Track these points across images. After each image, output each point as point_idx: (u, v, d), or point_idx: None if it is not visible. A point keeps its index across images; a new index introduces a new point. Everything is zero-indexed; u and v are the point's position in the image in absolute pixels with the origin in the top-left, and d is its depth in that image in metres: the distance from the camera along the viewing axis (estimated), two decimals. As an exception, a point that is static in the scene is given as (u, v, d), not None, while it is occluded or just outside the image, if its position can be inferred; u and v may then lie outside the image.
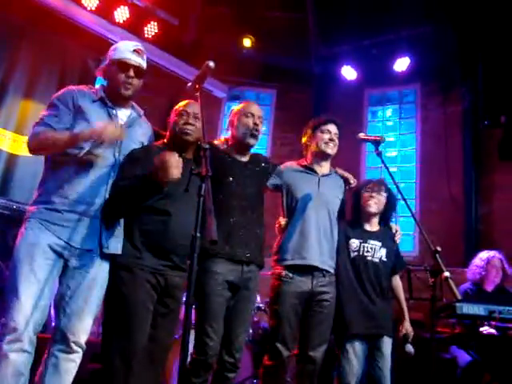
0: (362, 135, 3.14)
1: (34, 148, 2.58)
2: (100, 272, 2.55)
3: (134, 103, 2.84)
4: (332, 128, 3.39)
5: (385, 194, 3.42)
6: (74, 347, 2.46)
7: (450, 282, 2.40)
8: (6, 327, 2.30)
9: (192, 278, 1.88)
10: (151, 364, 2.62)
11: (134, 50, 2.71)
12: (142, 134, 2.82)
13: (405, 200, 2.98)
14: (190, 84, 2.40)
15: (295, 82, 7.95)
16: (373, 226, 3.45)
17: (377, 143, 2.99)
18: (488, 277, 4.55)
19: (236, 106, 3.25)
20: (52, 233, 2.44)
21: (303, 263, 3.17)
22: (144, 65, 2.75)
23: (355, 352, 3.22)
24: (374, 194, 3.39)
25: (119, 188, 2.55)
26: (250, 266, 2.98)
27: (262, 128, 3.25)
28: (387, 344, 3.30)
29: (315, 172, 3.39)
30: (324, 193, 3.32)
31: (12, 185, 5.86)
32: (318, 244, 3.22)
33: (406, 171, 7.73)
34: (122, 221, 2.65)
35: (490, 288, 4.58)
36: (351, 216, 3.47)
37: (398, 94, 8.19)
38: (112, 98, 2.71)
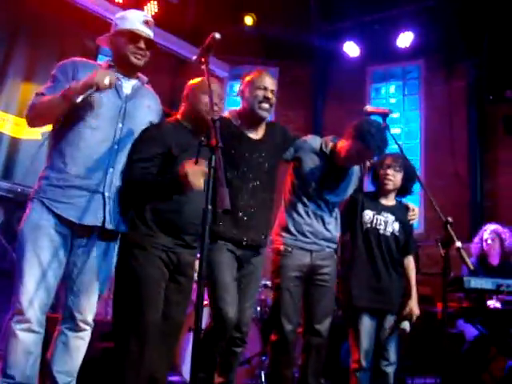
0: (368, 108, 3.09)
1: (31, 117, 2.51)
2: (106, 249, 2.53)
3: (140, 74, 2.75)
4: (371, 155, 3.16)
5: (401, 170, 3.36)
6: (82, 325, 2.48)
7: (462, 252, 2.39)
8: (15, 308, 2.34)
9: (204, 250, 1.87)
10: (164, 341, 2.62)
11: (144, 21, 2.63)
12: (147, 105, 2.71)
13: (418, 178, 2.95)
14: (195, 57, 2.35)
15: (297, 60, 7.87)
16: (389, 200, 3.43)
17: (384, 116, 2.95)
18: (491, 250, 4.58)
19: (248, 76, 3.06)
20: (54, 211, 2.41)
21: (303, 246, 3.18)
22: (152, 36, 2.66)
23: (364, 327, 3.23)
24: (389, 172, 3.34)
25: (143, 180, 2.52)
26: (254, 247, 2.99)
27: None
28: (391, 320, 3.30)
29: (334, 163, 3.23)
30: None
31: (15, 168, 5.85)
32: (318, 228, 3.21)
33: (411, 148, 7.67)
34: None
35: (495, 262, 4.60)
36: (368, 189, 3.45)
37: (402, 71, 8.09)
38: (120, 69, 2.64)
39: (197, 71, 2.46)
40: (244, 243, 2.91)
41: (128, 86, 2.67)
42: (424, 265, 5.26)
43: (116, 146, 2.54)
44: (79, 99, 2.36)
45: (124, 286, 2.57)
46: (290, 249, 3.17)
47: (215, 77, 7.50)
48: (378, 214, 3.36)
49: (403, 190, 3.47)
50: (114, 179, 2.52)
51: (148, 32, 2.63)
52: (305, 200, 3.21)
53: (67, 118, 2.51)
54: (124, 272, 2.58)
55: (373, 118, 3.12)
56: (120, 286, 2.59)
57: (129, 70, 2.66)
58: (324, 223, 3.24)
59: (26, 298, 2.33)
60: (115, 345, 2.56)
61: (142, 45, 2.59)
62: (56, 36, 6.36)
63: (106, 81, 2.35)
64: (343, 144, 3.16)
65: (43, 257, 2.38)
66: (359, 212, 3.36)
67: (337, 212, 3.34)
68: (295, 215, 3.21)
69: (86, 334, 2.51)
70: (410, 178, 3.40)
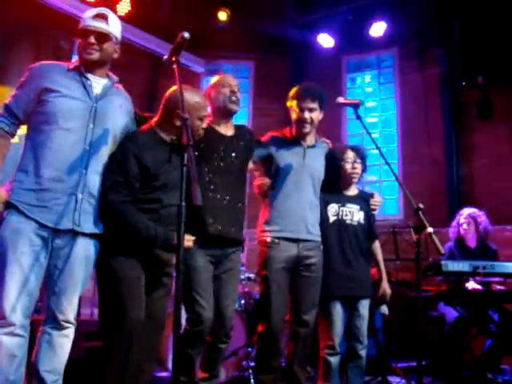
0: (340, 100, 3.17)
1: None
2: (86, 250, 2.53)
3: (109, 72, 2.75)
4: (309, 104, 3.30)
5: (362, 161, 3.48)
6: (65, 324, 2.49)
7: (434, 237, 2.45)
8: None
9: (180, 246, 1.92)
10: (148, 338, 2.65)
11: (96, 16, 2.61)
12: (119, 104, 2.71)
13: (388, 164, 3.00)
14: (166, 57, 2.38)
15: (273, 52, 7.89)
16: (351, 190, 3.52)
17: (356, 106, 3.03)
18: (467, 234, 4.69)
19: (211, 80, 3.24)
20: (29, 216, 2.41)
21: (290, 236, 3.24)
22: (108, 28, 2.62)
23: (338, 313, 3.31)
24: (356, 165, 3.44)
25: (135, 222, 2.55)
26: (233, 243, 3.04)
27: (241, 100, 3.22)
28: (365, 305, 3.39)
29: (300, 143, 3.38)
30: (309, 164, 3.34)
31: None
32: (304, 216, 3.27)
33: (388, 136, 7.77)
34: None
35: (472, 244, 4.71)
36: (329, 182, 3.45)
37: (377, 60, 8.16)
38: (85, 67, 2.64)
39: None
40: (220, 237, 2.94)
41: (98, 85, 2.66)
42: (403, 251, 5.37)
43: (88, 148, 2.54)
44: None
45: (105, 286, 2.60)
46: (277, 240, 3.22)
47: (191, 73, 7.57)
48: (343, 205, 3.44)
49: None
50: (88, 181, 2.53)
51: (97, 25, 2.61)
52: (288, 189, 3.27)
53: (37, 121, 2.52)
54: (104, 272, 2.60)
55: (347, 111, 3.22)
56: (102, 286, 2.62)
57: (89, 66, 2.64)
58: (311, 207, 3.31)
59: (9, 304, 2.34)
60: (103, 343, 2.58)
61: (91, 39, 2.59)
62: (29, 38, 6.31)
63: None
64: (293, 118, 3.38)
65: (24, 262, 2.38)
66: (324, 206, 3.41)
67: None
68: (280, 209, 3.26)
69: (70, 332, 2.53)
70: (365, 166, 3.54)
